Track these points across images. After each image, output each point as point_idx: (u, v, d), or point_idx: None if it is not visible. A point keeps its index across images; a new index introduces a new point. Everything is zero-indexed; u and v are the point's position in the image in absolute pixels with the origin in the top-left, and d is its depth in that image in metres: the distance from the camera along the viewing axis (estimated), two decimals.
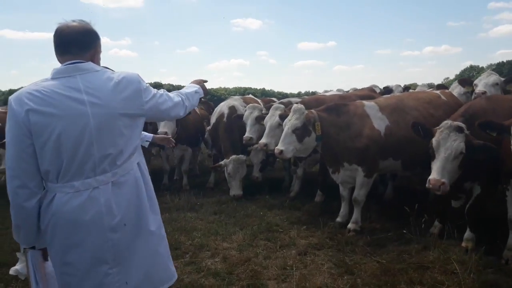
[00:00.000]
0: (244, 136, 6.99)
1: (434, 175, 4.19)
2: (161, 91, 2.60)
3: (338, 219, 5.80)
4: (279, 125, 6.04)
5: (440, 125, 4.36)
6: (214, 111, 8.27)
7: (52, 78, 2.21)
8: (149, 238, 2.44)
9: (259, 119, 6.78)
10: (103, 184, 2.24)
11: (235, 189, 7.25)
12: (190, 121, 7.96)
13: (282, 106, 6.49)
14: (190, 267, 4.54)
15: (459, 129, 4.24)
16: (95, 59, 2.38)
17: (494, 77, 5.90)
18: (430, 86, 10.67)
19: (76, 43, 2.27)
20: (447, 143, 4.22)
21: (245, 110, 7.44)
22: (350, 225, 5.53)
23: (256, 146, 7.28)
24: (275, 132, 6.13)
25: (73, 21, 2.31)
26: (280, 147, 5.31)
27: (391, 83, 11.96)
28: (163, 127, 7.14)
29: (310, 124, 5.32)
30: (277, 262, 4.57)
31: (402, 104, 5.76)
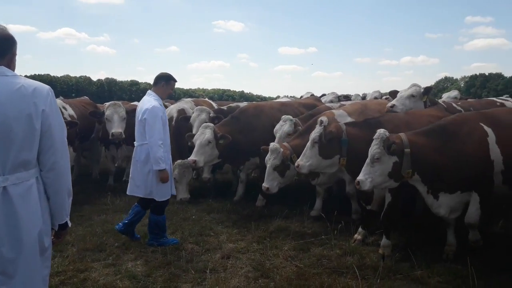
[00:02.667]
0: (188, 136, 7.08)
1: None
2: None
3: (313, 213, 6.37)
4: (209, 143, 6.47)
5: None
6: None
7: None
8: (37, 257, 2.43)
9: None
10: None
11: (182, 193, 7.25)
12: None
13: (212, 125, 6.70)
14: (109, 269, 4.56)
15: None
16: (12, 63, 2.45)
17: (411, 90, 6.07)
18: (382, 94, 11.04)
19: None
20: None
21: (193, 112, 7.54)
22: (353, 216, 6.10)
23: None
24: (205, 150, 6.46)
25: None
26: (265, 184, 5.92)
27: (369, 91, 12.48)
28: (116, 128, 7.28)
29: (288, 159, 5.82)
30: (198, 265, 4.64)
31: (366, 108, 6.39)
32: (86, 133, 8.24)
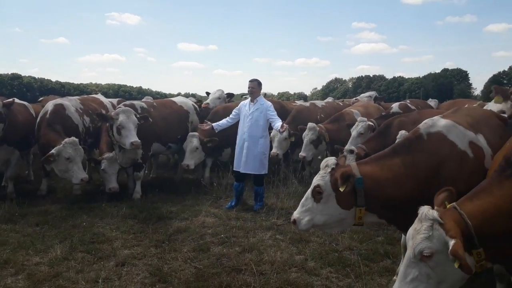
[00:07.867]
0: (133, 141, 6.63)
1: None
2: None
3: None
4: (197, 149, 7.64)
5: None
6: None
7: None
8: None
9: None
10: None
11: (81, 173, 6.64)
12: (19, 120, 7.09)
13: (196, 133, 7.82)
14: None
15: None
16: None
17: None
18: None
19: None
20: None
21: (119, 115, 6.76)
22: None
23: (110, 155, 7.07)
24: (193, 155, 7.68)
25: None
26: (302, 153, 7.82)
27: (267, 90, 12.97)
28: None
29: (322, 136, 7.78)
30: (90, 275, 4.33)
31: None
32: None
